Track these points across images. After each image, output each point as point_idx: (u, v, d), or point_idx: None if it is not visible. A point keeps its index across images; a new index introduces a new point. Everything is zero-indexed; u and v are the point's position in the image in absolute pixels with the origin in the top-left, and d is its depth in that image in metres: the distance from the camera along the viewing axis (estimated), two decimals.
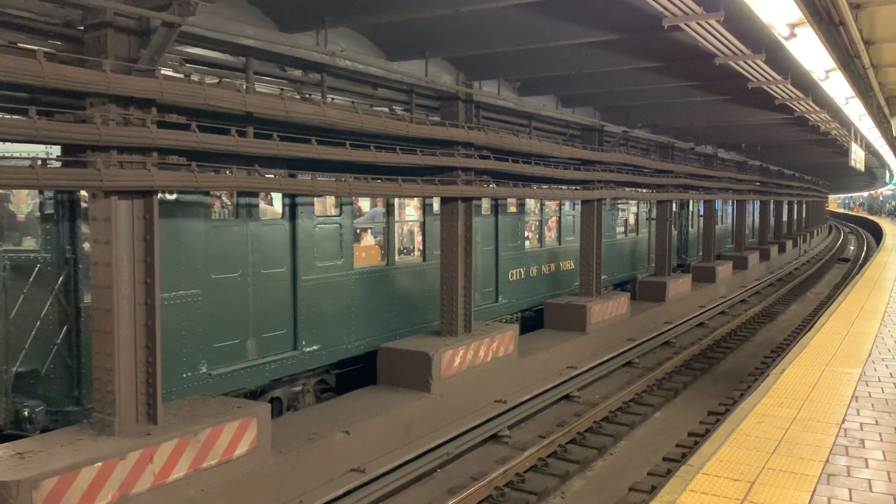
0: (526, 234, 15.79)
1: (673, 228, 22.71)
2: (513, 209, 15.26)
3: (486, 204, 14.12)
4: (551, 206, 16.96)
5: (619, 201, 19.81)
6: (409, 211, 12.83)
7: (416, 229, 12.69)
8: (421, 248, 12.46)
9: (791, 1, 5.90)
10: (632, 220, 21.79)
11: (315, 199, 10.01)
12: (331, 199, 10.52)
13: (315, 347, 10.00)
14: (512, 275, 14.91)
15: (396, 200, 11.76)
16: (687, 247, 25.92)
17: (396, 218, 11.93)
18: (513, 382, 11.79)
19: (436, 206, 12.31)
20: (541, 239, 16.44)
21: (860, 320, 11.99)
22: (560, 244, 17.03)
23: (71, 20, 6.42)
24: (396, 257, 11.80)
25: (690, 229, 26.21)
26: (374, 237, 11.79)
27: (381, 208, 11.76)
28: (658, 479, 8.66)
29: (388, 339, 11.10)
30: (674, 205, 22.47)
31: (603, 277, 17.71)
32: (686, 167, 20.50)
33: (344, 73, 9.50)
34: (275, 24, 8.36)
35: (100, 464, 6.10)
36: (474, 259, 12.28)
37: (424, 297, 12.21)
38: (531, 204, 16.08)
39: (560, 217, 17.16)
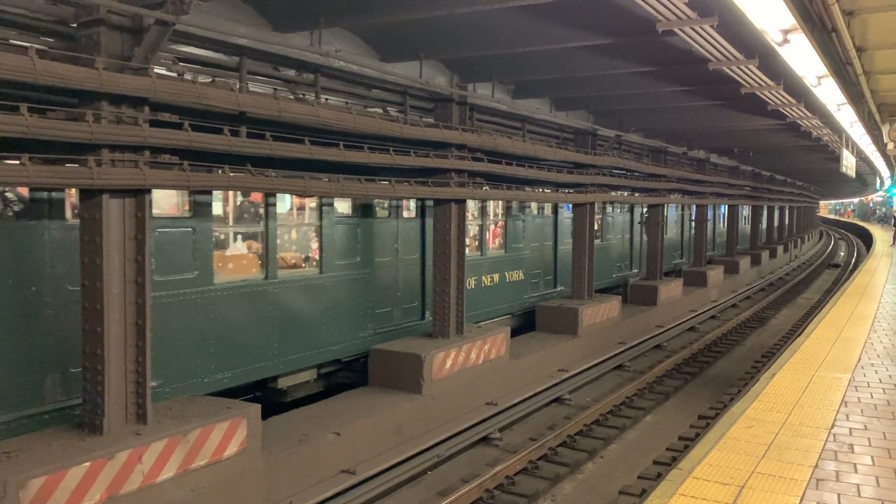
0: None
1: (645, 235, 22.09)
2: None
3: (412, 204, 12.54)
4: (497, 208, 15.23)
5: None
6: (301, 212, 11.13)
7: (313, 235, 10.75)
8: (317, 257, 10.51)
9: (784, 7, 5.93)
10: (597, 225, 19.48)
11: (154, 196, 7.51)
12: (182, 195, 8.57)
13: (154, 384, 7.58)
14: None
15: (279, 197, 9.88)
16: (662, 254, 24.92)
17: (281, 221, 10.00)
18: (504, 385, 11.79)
19: (340, 208, 10.95)
20: (481, 246, 14.50)
21: (850, 326, 12.04)
22: (506, 252, 15.05)
23: (64, 17, 6.38)
24: (279, 269, 9.81)
25: (666, 235, 25.16)
26: (248, 244, 9.94)
27: (251, 204, 9.99)
28: (648, 482, 8.67)
29: (267, 370, 9.42)
30: (643, 209, 21.81)
31: (561, 288, 17.05)
32: (678, 171, 20.56)
33: (338, 74, 9.49)
34: (269, 24, 8.34)
35: (88, 464, 6.06)
36: (395, 269, 11.66)
37: (320, 317, 10.27)
38: (471, 205, 13.93)
39: (507, 222, 15.30)
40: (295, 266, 10.56)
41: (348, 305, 10.75)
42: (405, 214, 12.27)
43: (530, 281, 15.96)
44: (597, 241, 18.97)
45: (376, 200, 11.37)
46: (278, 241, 9.82)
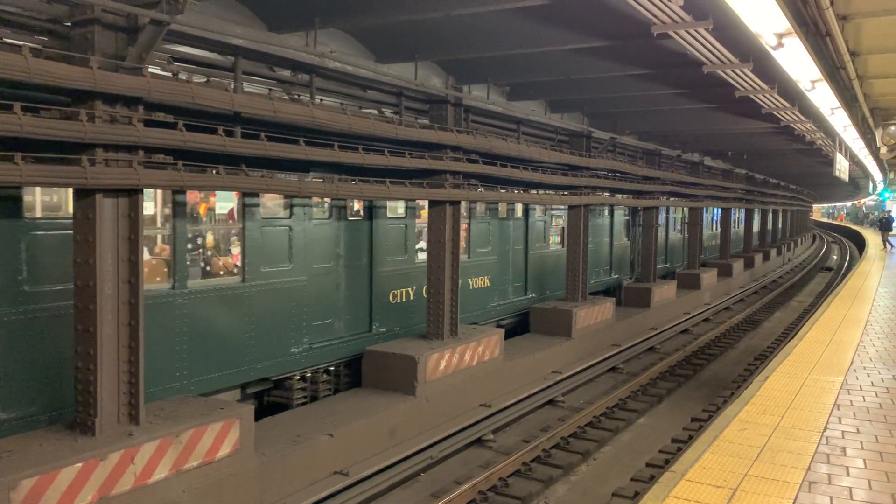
0: (419, 244, 12.75)
1: (626, 238, 21.52)
2: (400, 212, 12.19)
3: (357, 205, 11.34)
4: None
5: (554, 207, 17.04)
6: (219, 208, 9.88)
7: (235, 239, 9.69)
8: (239, 264, 9.44)
9: (779, 11, 5.94)
10: None
11: (24, 194, 7.04)
12: (63, 192, 7.59)
13: (20, 414, 6.84)
14: (394, 296, 11.78)
15: (188, 194, 8.67)
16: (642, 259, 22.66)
17: (191, 222, 8.85)
18: (498, 386, 11.79)
19: (272, 205, 9.87)
20: None
21: (843, 329, 12.08)
22: (470, 257, 13.79)
23: (58, 16, 6.36)
24: (190, 278, 8.64)
25: (673, 237, 24.34)
26: (160, 248, 8.70)
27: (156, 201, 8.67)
28: (641, 484, 8.68)
29: (171, 392, 8.16)
30: (625, 212, 21.08)
31: (532, 295, 15.99)
32: (673, 174, 20.60)
33: (333, 75, 9.48)
34: (264, 24, 8.33)
35: (79, 464, 6.03)
36: (337, 276, 10.60)
37: (243, 332, 9.18)
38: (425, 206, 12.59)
39: (471, 224, 13.97)
40: (212, 274, 9.31)
41: (277, 318, 9.53)
42: (350, 216, 11.06)
43: (498, 288, 14.86)
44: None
45: (315, 200, 10.20)
46: (190, 246, 8.71)
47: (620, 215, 21.06)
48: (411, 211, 12.28)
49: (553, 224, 17.60)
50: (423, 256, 12.35)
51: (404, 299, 12.09)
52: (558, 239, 17.73)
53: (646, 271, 20.32)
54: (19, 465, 5.77)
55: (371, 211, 11.36)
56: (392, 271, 11.79)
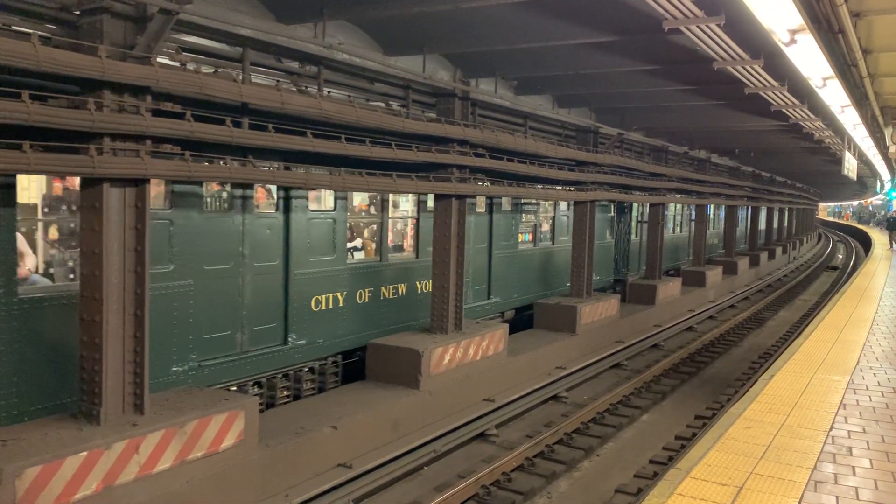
0: (355, 242, 11.51)
1: (609, 236, 20.06)
2: (329, 205, 10.61)
3: (263, 194, 9.90)
4: (405, 202, 12.64)
5: (523, 201, 15.46)
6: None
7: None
8: (40, 261, 7.58)
9: (793, 7, 5.90)
10: (546, 225, 17.18)
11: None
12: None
13: None
14: (318, 303, 10.26)
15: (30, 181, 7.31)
16: (627, 259, 21.15)
17: (26, 214, 7.33)
18: (501, 381, 11.77)
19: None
20: (380, 249, 11.66)
21: (849, 328, 12.04)
22: (418, 257, 12.38)
23: (67, 4, 6.35)
24: (22, 285, 6.99)
25: (633, 238, 21.54)
26: None
27: None
28: (645, 481, 8.67)
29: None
30: (599, 208, 18.39)
31: (496, 299, 14.47)
32: (679, 171, 20.55)
33: (341, 67, 9.45)
34: (272, 15, 8.30)
35: (84, 453, 6.04)
36: (240, 280, 9.09)
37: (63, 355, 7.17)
38: (359, 199, 11.70)
39: (421, 220, 12.48)
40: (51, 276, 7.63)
41: (151, 330, 7.07)
42: (261, 208, 9.61)
43: None
44: (545, 244, 16.80)
45: (210, 189, 8.91)
46: (22, 246, 7.16)
47: (603, 211, 19.17)
48: (342, 203, 10.63)
49: (523, 220, 15.69)
50: (359, 256, 11.30)
51: (331, 306, 10.53)
52: (529, 237, 16.16)
53: (651, 268, 20.27)
54: (24, 454, 5.78)
55: (287, 203, 9.77)
56: (315, 274, 10.19)
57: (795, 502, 5.12)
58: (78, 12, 6.36)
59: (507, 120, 13.19)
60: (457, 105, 11.17)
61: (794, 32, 6.58)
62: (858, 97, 10.93)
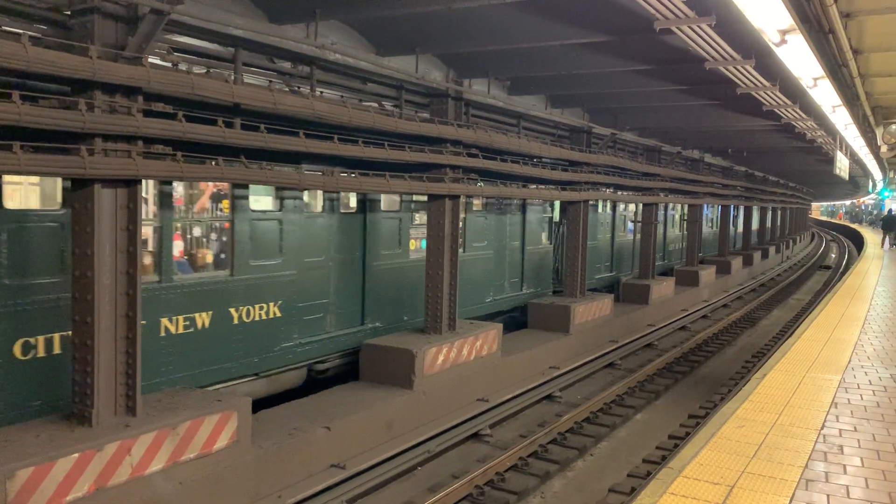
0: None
1: (546, 241, 17.38)
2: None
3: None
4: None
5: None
6: None
7: None
8: None
9: (783, 7, 5.92)
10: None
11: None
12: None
13: None
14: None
15: None
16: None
17: None
18: (495, 381, 11.78)
19: None
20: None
21: (841, 327, 12.09)
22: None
23: (58, 5, 6.33)
24: None
25: (616, 239, 20.20)
26: None
27: None
28: (638, 480, 8.69)
29: None
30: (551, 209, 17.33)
31: (373, 326, 11.30)
32: (672, 171, 20.59)
33: (333, 67, 9.44)
34: (265, 15, 8.29)
35: (76, 455, 6.02)
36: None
37: None
38: (178, 188, 9.28)
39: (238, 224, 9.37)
40: None
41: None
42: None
43: (300, 313, 10.10)
44: (478, 249, 14.18)
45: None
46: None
47: (538, 212, 16.67)
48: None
49: (416, 221, 12.57)
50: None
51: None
52: (426, 244, 11.73)
53: (644, 267, 20.31)
54: (16, 455, 5.76)
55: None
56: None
57: (787, 501, 5.14)
58: (69, 12, 6.34)
59: (500, 120, 13.20)
60: (450, 105, 11.17)
61: (784, 33, 6.61)
62: (849, 97, 10.98)
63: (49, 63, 5.67)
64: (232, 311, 9.11)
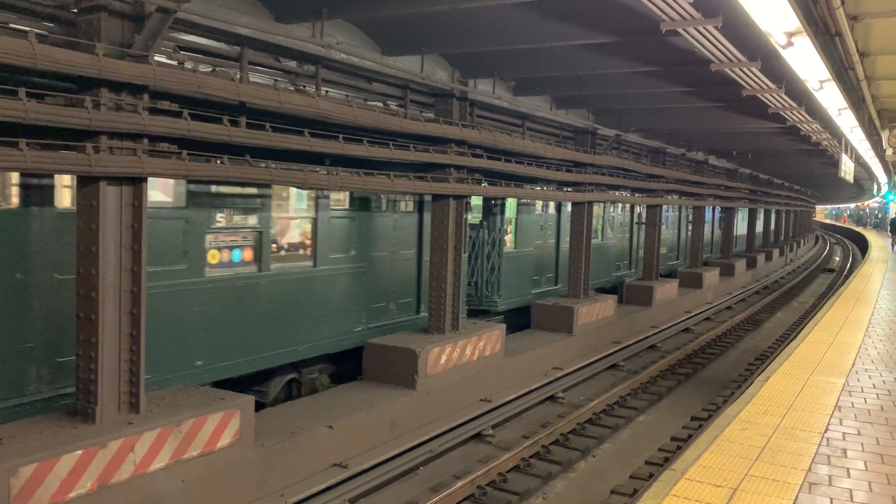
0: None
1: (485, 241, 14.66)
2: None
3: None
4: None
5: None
6: None
7: None
8: None
9: (790, 10, 5.91)
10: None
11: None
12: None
13: None
14: None
15: None
16: (499, 283, 14.81)
17: None
18: (498, 382, 11.78)
19: None
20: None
21: (845, 331, 12.05)
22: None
23: (65, 3, 6.34)
24: None
25: (562, 246, 16.91)
26: None
27: None
28: (640, 482, 8.68)
29: None
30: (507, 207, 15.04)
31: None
32: (677, 172, 20.57)
33: (339, 66, 9.44)
34: (271, 14, 8.30)
35: (79, 452, 6.03)
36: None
37: None
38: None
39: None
40: None
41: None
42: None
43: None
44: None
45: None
46: None
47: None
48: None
49: (331, 222, 10.38)
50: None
51: None
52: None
53: (648, 269, 20.30)
54: (19, 452, 5.77)
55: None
56: None
57: None
58: (76, 10, 6.36)
59: (504, 120, 13.19)
60: (455, 105, 11.17)
61: (791, 35, 6.59)
62: (855, 100, 10.95)
63: (56, 60, 5.68)
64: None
